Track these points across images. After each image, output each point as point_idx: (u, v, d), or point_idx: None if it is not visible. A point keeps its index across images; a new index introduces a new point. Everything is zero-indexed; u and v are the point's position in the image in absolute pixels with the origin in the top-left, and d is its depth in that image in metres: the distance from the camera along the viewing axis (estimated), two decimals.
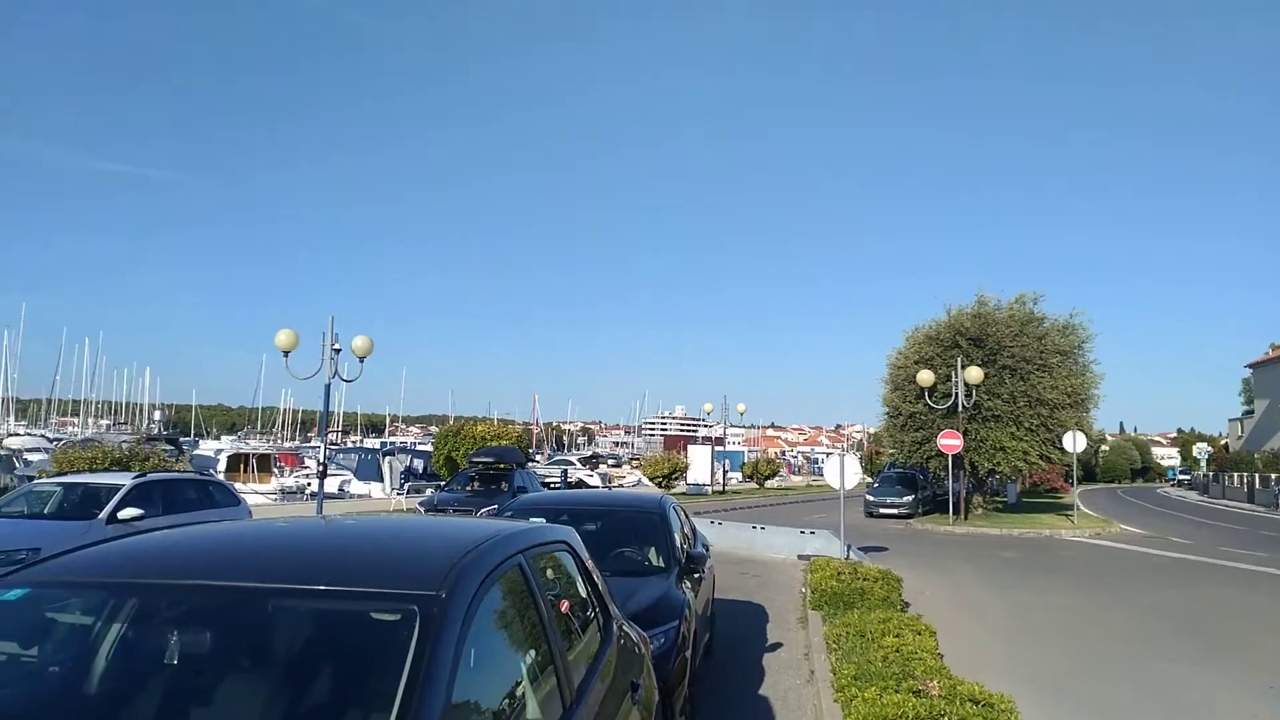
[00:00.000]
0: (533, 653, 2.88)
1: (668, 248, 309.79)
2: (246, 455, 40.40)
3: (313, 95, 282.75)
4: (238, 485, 20.60)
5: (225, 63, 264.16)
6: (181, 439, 51.73)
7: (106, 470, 18.55)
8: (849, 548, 16.83)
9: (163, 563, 2.81)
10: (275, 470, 39.61)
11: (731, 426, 56.50)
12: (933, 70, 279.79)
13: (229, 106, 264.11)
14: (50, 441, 45.44)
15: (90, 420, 78.38)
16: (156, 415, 71.51)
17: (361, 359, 18.04)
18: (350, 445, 65.58)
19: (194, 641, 2.55)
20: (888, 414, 33.35)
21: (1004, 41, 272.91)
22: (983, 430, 29.74)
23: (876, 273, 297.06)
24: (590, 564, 4.08)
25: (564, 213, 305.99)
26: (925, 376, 28.82)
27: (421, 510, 21.12)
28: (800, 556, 17.14)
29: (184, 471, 20.22)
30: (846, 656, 7.76)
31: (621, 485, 49.59)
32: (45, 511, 12.24)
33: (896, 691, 6.25)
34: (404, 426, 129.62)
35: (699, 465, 47.60)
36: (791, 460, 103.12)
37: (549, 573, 3.50)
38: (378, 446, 55.83)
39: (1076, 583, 16.60)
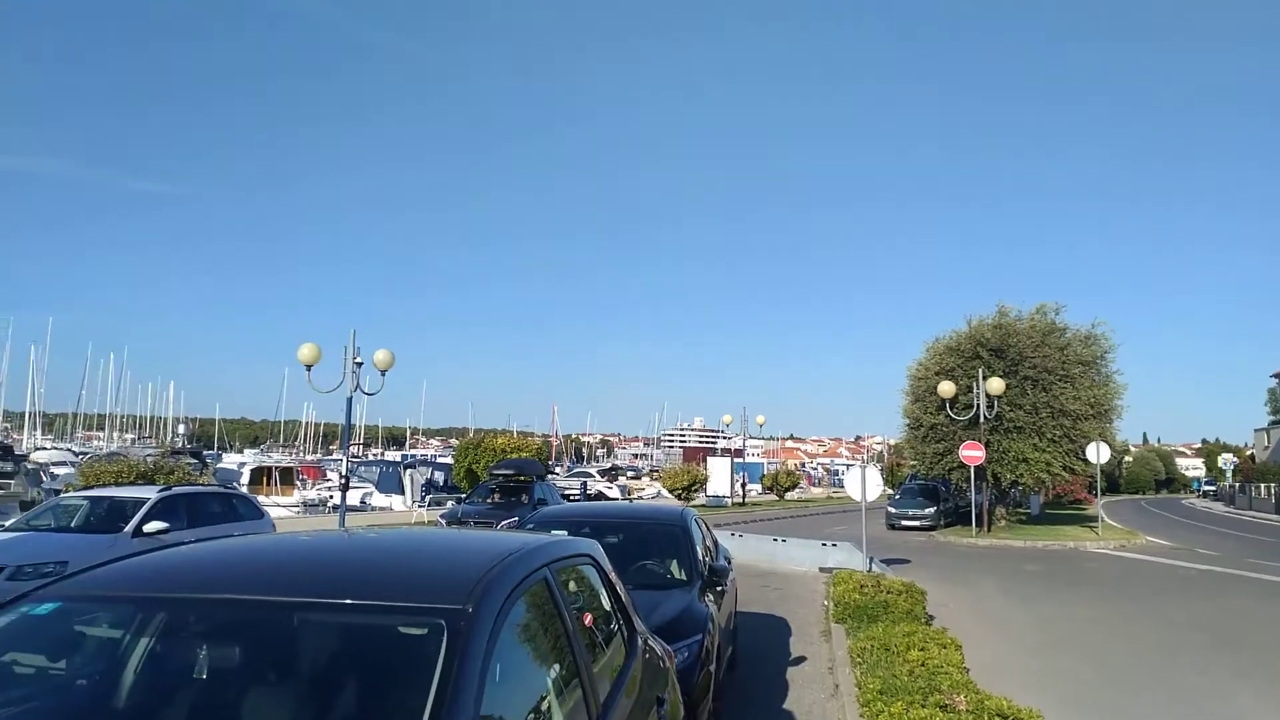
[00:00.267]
0: (558, 667, 2.86)
1: (687, 260, 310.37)
2: (269, 468, 40.61)
3: (331, 110, 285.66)
4: (261, 498, 20.69)
5: (243, 80, 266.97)
6: (205, 452, 52.10)
7: (132, 484, 18.70)
8: (871, 560, 16.71)
9: (191, 577, 2.82)
10: (297, 483, 39.76)
11: (751, 438, 56.33)
12: (957, 85, 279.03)
13: (248, 123, 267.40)
14: (76, 455, 45.85)
15: (115, 434, 79.32)
16: (181, 429, 71.88)
17: (383, 372, 18.10)
18: (371, 458, 65.91)
19: (222, 655, 2.56)
20: (909, 425, 33.14)
21: (1030, 56, 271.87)
22: (1005, 441, 29.50)
23: (896, 285, 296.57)
24: (614, 577, 4.07)
25: (581, 225, 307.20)
26: (946, 388, 28.63)
27: (443, 522, 21.14)
28: (822, 569, 17.03)
29: (208, 485, 20.36)
30: (871, 670, 7.69)
31: (641, 497, 49.53)
32: (72, 525, 12.32)
33: (923, 706, 6.18)
34: (424, 439, 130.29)
35: (718, 477, 47.44)
36: (811, 472, 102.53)
37: (573, 586, 3.49)
38: (399, 459, 56.04)
39: (1102, 595, 16.41)
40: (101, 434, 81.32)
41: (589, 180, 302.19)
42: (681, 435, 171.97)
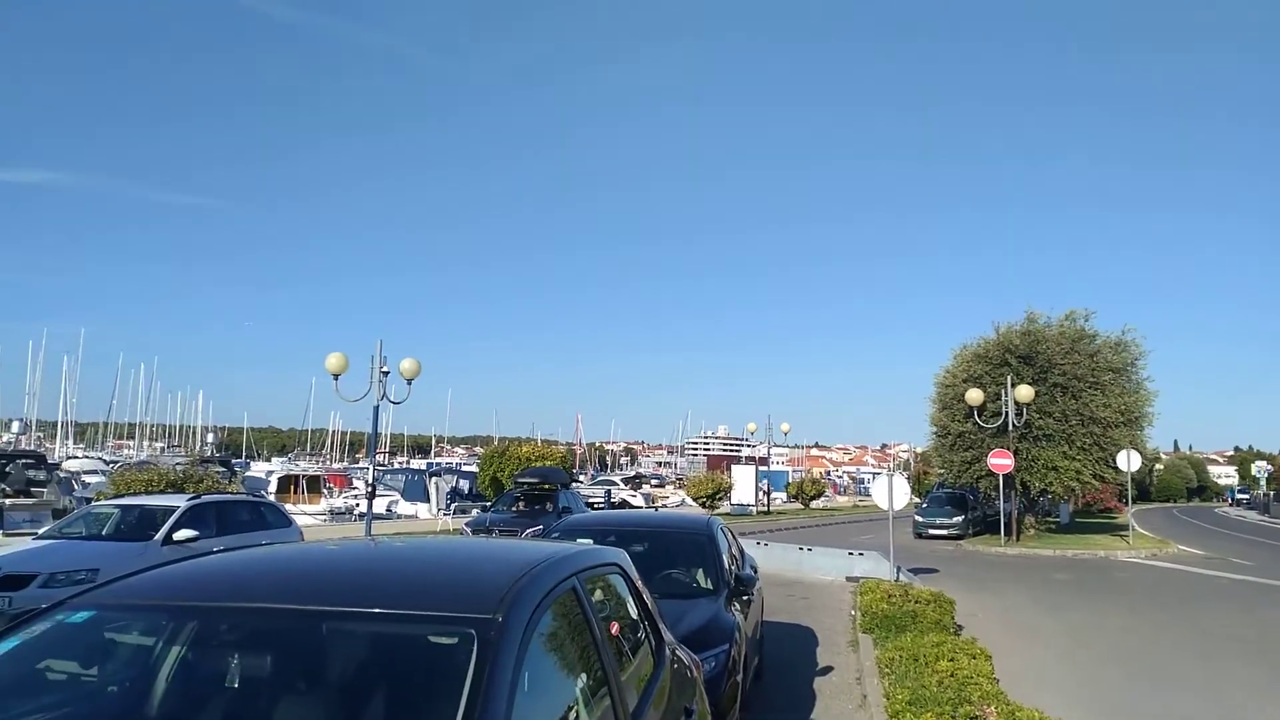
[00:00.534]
0: (587, 677, 2.86)
1: (711, 270, 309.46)
2: (296, 476, 40.92)
3: (357, 123, 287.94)
4: (288, 506, 20.83)
5: (270, 94, 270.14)
6: (234, 461, 52.59)
7: (162, 492, 18.89)
8: (898, 569, 16.59)
9: (222, 586, 2.84)
10: (324, 491, 40.02)
11: (775, 446, 56.19)
12: (983, 92, 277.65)
13: (275, 136, 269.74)
14: (107, 464, 46.41)
15: (145, 443, 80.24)
16: (210, 438, 72.80)
17: (409, 381, 18.20)
18: (397, 466, 66.27)
19: (253, 664, 2.58)
20: (936, 433, 32.92)
21: (1060, 65, 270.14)
22: (1034, 449, 29.20)
23: (922, 291, 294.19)
24: (642, 586, 4.05)
25: (606, 236, 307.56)
26: (974, 395, 28.39)
27: (468, 530, 21.21)
28: (849, 578, 16.92)
29: (237, 493, 20.53)
30: (900, 681, 7.62)
31: (665, 505, 49.43)
32: (103, 533, 12.44)
33: (953, 718, 6.12)
34: (449, 447, 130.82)
35: (743, 485, 47.26)
36: (837, 480, 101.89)
37: (601, 595, 3.48)
38: (424, 467, 56.30)
39: (1133, 605, 16.19)
40: (132, 443, 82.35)
41: (613, 191, 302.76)
42: (705, 443, 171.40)
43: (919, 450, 69.17)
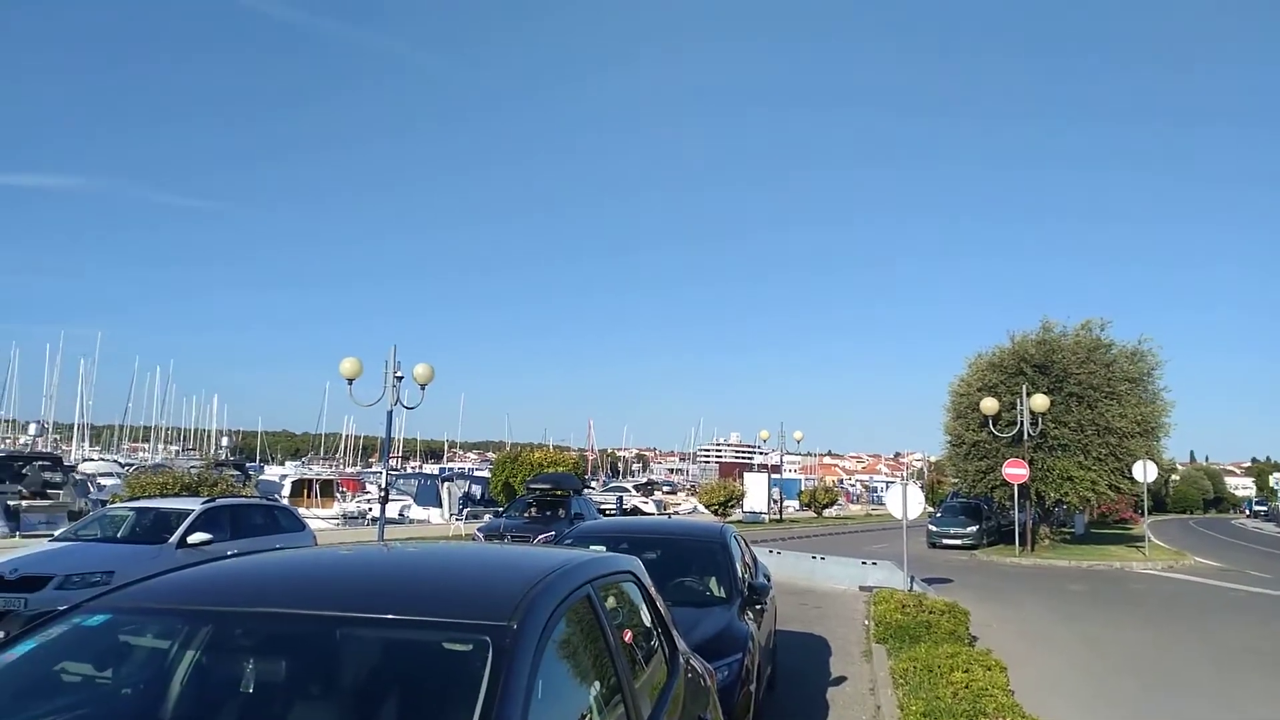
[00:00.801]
0: (601, 685, 2.85)
1: (723, 277, 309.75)
2: (310, 480, 41.09)
3: (368, 127, 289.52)
4: (301, 510, 20.92)
5: (285, 98, 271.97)
6: (248, 464, 52.81)
7: (176, 495, 19.01)
8: (912, 579, 16.49)
9: (237, 590, 2.84)
10: (337, 495, 40.18)
11: (788, 454, 55.99)
12: (997, 102, 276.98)
13: (286, 140, 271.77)
14: (122, 467, 46.63)
15: (160, 446, 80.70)
16: (224, 441, 73.05)
17: (423, 386, 18.22)
18: (410, 471, 66.42)
19: (267, 669, 2.58)
20: (950, 442, 32.70)
21: (1079, 77, 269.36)
22: (1049, 459, 28.99)
23: (937, 300, 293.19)
24: (656, 594, 4.04)
25: (617, 243, 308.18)
26: (989, 404, 28.24)
27: (480, 536, 21.22)
28: (862, 588, 16.84)
29: (251, 497, 20.63)
30: (914, 692, 7.56)
31: (677, 512, 49.33)
32: (118, 536, 12.51)
33: None
34: (462, 452, 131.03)
35: (755, 493, 47.14)
36: (850, 489, 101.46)
37: (615, 602, 3.46)
38: (437, 472, 56.40)
39: (1149, 617, 16.05)
40: (147, 446, 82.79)
41: (623, 196, 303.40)
42: (718, 450, 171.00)
43: (933, 459, 68.75)
